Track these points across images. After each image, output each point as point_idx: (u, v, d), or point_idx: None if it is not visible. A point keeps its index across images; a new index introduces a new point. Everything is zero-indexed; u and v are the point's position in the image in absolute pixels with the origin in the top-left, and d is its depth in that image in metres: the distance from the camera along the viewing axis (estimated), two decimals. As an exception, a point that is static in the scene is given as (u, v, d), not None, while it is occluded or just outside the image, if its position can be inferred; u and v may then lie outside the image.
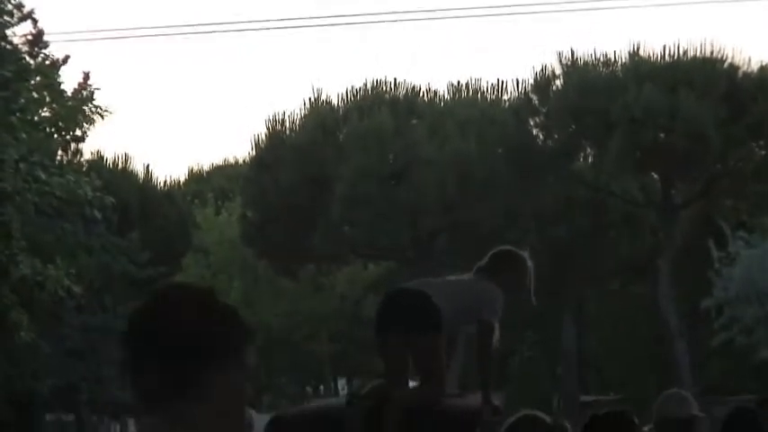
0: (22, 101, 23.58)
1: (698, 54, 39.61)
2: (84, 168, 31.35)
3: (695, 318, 37.56)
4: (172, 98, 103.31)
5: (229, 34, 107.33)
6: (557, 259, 40.77)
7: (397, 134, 41.64)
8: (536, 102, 41.37)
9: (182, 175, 60.58)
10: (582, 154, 42.24)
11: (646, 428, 7.18)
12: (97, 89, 25.61)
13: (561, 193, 40.59)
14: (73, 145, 29.24)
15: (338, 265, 46.86)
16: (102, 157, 43.34)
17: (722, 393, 37.69)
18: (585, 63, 40.56)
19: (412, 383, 6.81)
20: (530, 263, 7.18)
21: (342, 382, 55.34)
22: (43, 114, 25.24)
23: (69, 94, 25.34)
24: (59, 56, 26.10)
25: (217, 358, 2.48)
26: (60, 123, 25.21)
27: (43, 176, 22.88)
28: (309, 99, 44.65)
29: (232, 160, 61.96)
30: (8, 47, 24.79)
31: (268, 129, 45.03)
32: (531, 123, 41.56)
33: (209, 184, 57.96)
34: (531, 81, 41.51)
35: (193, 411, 2.46)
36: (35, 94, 24.75)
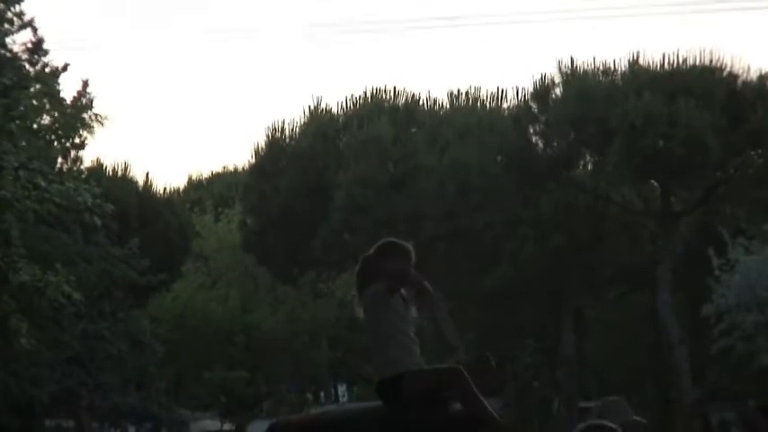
0: (22, 108, 23.60)
1: (697, 62, 39.56)
2: (84, 176, 31.28)
3: (695, 325, 37.52)
4: (172, 105, 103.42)
5: (230, 42, 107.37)
6: (556, 267, 40.77)
7: (397, 142, 41.66)
8: (535, 110, 41.32)
9: (181, 183, 60.64)
10: (581, 162, 42.20)
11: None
12: (96, 97, 25.69)
13: (560, 201, 40.57)
14: (72, 152, 29.29)
15: (338, 272, 46.84)
16: (101, 165, 43.28)
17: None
18: (585, 71, 40.50)
19: None
20: (411, 250, 7.22)
21: (342, 389, 55.36)
22: (43, 122, 25.27)
23: (69, 101, 25.39)
24: (59, 64, 26.18)
25: None
26: (60, 131, 25.24)
27: (43, 184, 22.86)
28: (309, 107, 44.72)
29: (232, 168, 62.08)
30: (8, 55, 24.85)
31: (268, 136, 45.04)
32: (531, 131, 41.51)
33: (208, 192, 57.96)
34: (531, 89, 41.49)
35: None
36: (35, 102, 24.78)
